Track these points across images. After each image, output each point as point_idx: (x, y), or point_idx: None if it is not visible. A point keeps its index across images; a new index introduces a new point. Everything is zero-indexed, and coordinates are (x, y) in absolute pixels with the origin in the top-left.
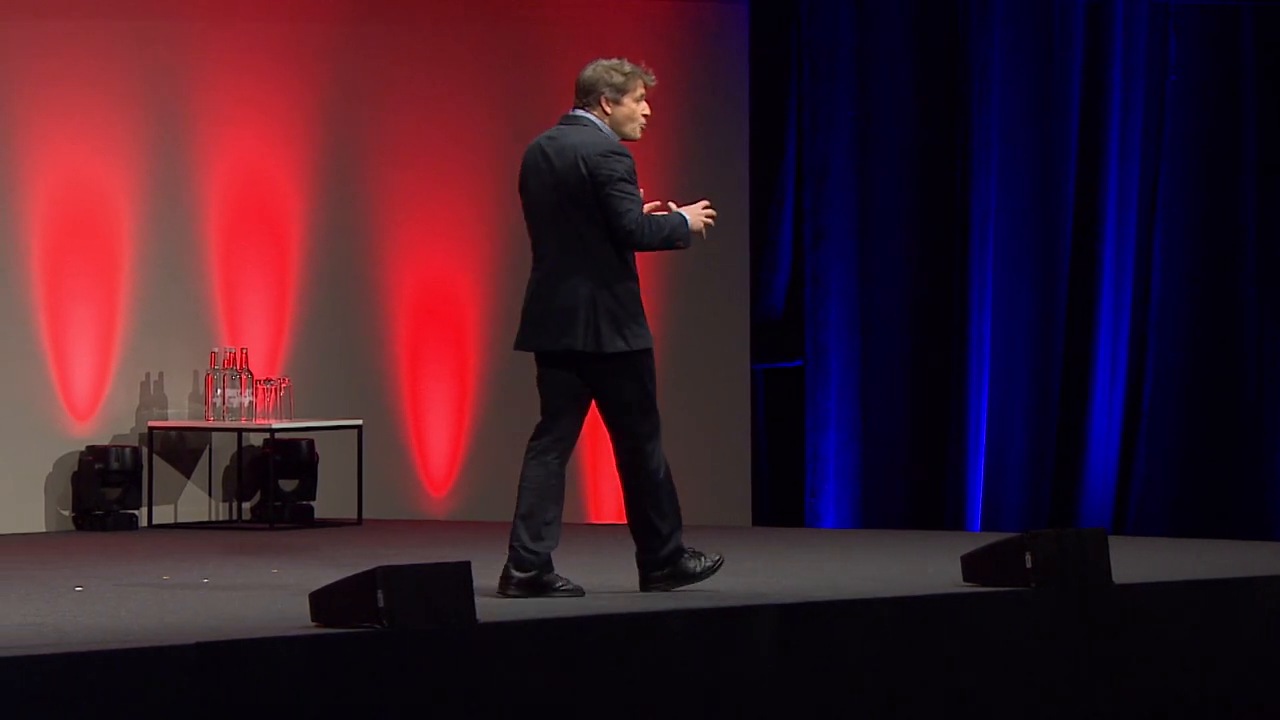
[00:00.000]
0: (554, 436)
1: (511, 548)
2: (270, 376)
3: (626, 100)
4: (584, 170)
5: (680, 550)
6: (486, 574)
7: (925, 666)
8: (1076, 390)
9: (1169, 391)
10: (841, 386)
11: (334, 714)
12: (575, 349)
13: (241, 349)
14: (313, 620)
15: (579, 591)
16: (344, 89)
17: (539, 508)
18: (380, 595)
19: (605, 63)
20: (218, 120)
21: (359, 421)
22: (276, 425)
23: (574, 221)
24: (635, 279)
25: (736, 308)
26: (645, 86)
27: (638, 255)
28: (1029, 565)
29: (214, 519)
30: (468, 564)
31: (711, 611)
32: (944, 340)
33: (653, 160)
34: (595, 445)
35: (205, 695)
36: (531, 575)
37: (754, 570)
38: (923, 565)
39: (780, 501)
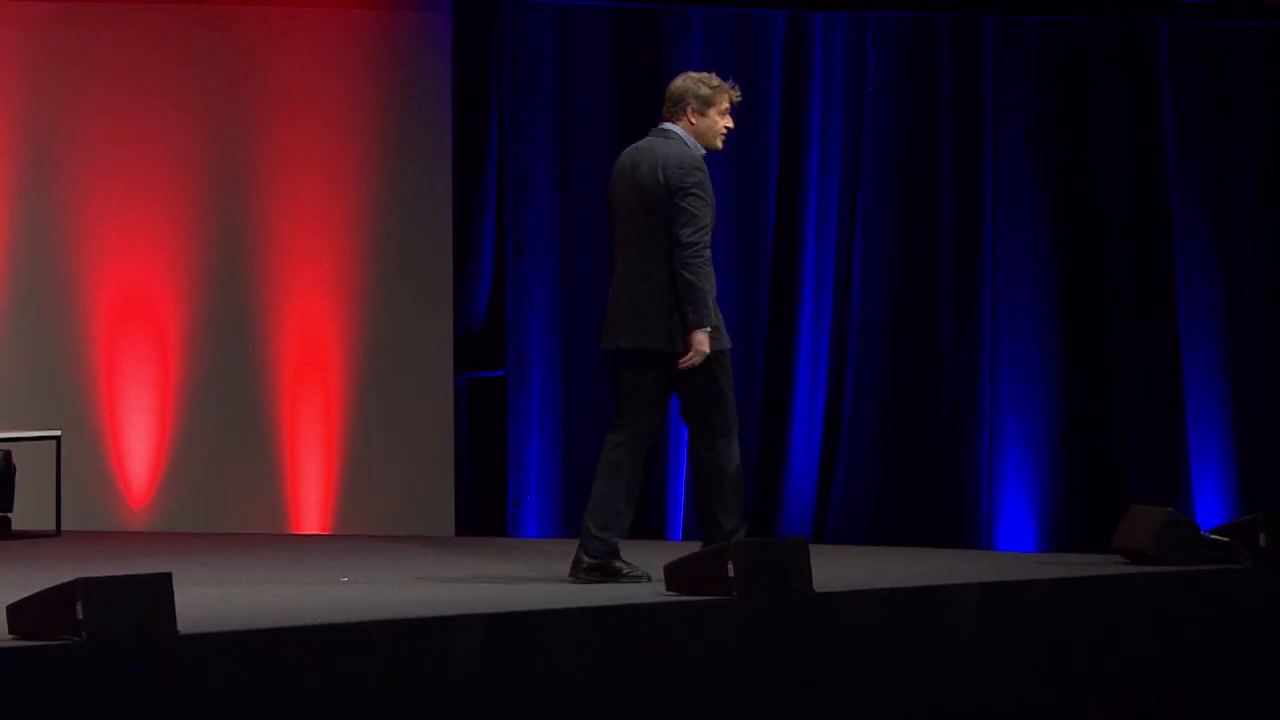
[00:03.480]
0: (630, 432)
1: (582, 535)
2: None
3: (711, 113)
4: (662, 179)
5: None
6: (187, 585)
7: (628, 677)
8: (777, 399)
9: (868, 401)
10: (543, 396)
11: None
12: (654, 348)
13: None
14: (10, 633)
15: (646, 577)
16: (38, 94)
17: (610, 499)
18: (79, 607)
19: (694, 75)
20: None
21: (57, 432)
22: None
23: (653, 227)
24: (713, 285)
25: (439, 318)
26: (731, 101)
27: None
28: (731, 574)
29: None
30: (168, 575)
31: (413, 621)
32: None
33: (355, 170)
34: (295, 457)
35: None
36: (599, 561)
37: (456, 580)
38: None
39: (483, 511)
